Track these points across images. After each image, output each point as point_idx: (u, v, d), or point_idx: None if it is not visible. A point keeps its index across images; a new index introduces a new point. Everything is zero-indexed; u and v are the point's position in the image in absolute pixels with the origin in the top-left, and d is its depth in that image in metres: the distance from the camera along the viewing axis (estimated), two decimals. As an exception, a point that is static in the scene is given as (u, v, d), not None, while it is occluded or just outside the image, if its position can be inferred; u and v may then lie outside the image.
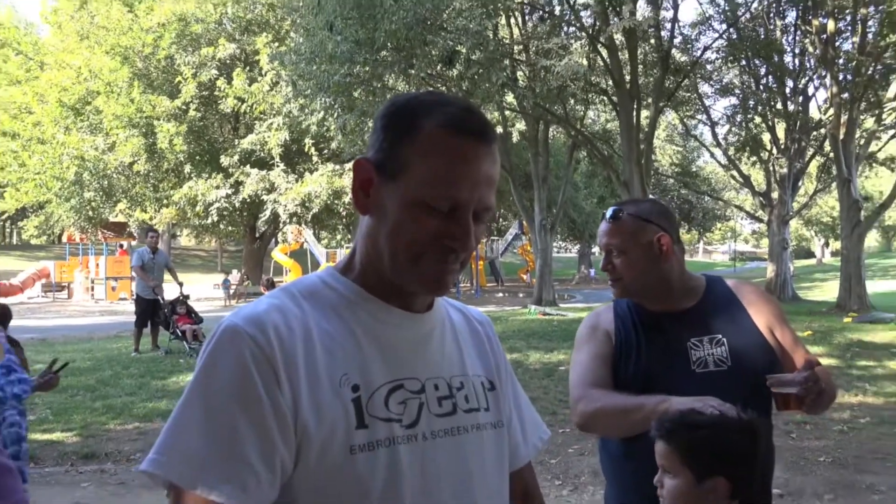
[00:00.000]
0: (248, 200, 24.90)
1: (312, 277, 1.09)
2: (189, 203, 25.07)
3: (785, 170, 21.04)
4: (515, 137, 23.07)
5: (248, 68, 25.35)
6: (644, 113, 19.13)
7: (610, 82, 18.95)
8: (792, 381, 1.61)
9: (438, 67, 15.91)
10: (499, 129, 20.01)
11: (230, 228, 29.20)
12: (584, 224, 35.43)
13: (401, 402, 1.00)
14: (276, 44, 24.11)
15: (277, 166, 24.39)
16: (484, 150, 0.99)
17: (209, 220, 25.77)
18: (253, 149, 24.74)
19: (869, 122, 19.28)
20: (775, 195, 21.44)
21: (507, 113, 20.31)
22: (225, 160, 25.00)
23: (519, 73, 17.83)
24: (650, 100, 19.23)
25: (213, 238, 36.61)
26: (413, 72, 15.14)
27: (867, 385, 8.11)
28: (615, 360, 1.83)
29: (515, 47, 18.34)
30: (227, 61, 25.32)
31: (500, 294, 27.45)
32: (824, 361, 8.58)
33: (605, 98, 20.92)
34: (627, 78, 18.09)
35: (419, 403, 1.02)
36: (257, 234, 29.91)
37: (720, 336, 1.78)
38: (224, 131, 28.04)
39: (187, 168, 25.58)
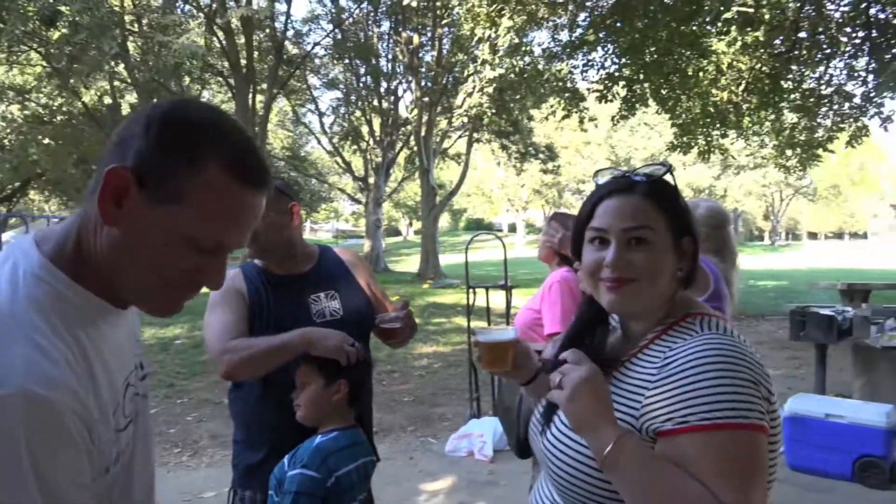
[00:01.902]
0: None
1: (37, 287, 0.87)
2: None
3: (380, 159, 22.41)
4: (126, 110, 21.05)
5: None
6: (259, 98, 19.18)
7: (227, 64, 18.61)
8: (396, 317, 2.06)
9: (36, 25, 13.77)
10: (107, 100, 18.16)
11: None
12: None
13: (118, 417, 0.98)
14: None
15: None
16: (260, 199, 0.94)
17: None
18: None
19: (444, 123, 21.85)
20: (372, 180, 22.81)
21: (116, 83, 18.49)
22: None
23: (132, 45, 16.38)
24: (265, 86, 19.37)
25: None
26: (2, 26, 12.73)
27: (440, 338, 9.55)
28: (250, 317, 2.02)
29: (127, 17, 16.80)
30: None
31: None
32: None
33: (221, 79, 20.46)
34: (244, 63, 17.97)
35: (124, 411, 1.01)
36: None
37: (334, 292, 2.13)
38: None
39: None
